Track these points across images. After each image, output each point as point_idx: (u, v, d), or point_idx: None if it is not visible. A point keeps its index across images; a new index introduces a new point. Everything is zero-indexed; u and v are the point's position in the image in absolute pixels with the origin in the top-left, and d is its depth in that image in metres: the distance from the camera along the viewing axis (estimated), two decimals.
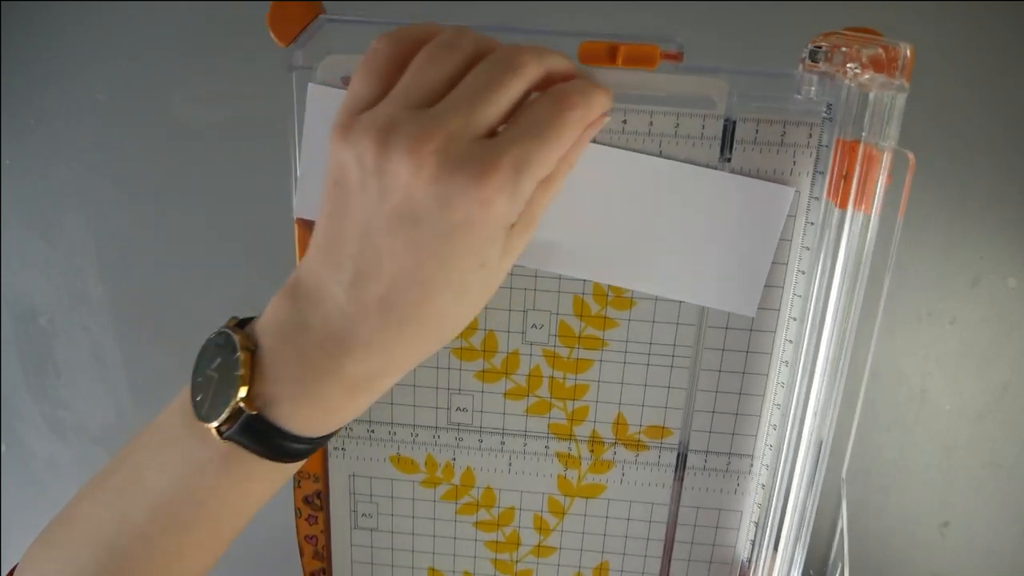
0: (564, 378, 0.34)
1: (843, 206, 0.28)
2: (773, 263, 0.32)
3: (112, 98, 0.49)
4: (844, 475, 0.31)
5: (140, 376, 0.54)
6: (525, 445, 0.36)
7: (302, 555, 0.38)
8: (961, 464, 0.55)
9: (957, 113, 0.49)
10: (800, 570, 0.32)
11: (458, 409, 0.35)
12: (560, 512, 0.37)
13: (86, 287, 0.53)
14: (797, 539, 0.32)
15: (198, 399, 0.27)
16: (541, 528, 0.37)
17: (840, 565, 0.32)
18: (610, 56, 0.28)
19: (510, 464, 0.36)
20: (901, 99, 0.26)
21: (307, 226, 0.32)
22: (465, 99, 0.24)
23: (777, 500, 0.33)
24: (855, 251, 0.28)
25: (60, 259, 0.52)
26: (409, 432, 0.36)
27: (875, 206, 0.27)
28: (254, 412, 0.26)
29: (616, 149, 0.30)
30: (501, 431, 0.36)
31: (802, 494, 0.31)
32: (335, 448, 0.36)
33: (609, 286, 0.32)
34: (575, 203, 0.30)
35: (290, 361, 0.26)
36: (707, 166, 0.30)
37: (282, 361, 0.26)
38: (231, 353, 0.26)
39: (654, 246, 0.31)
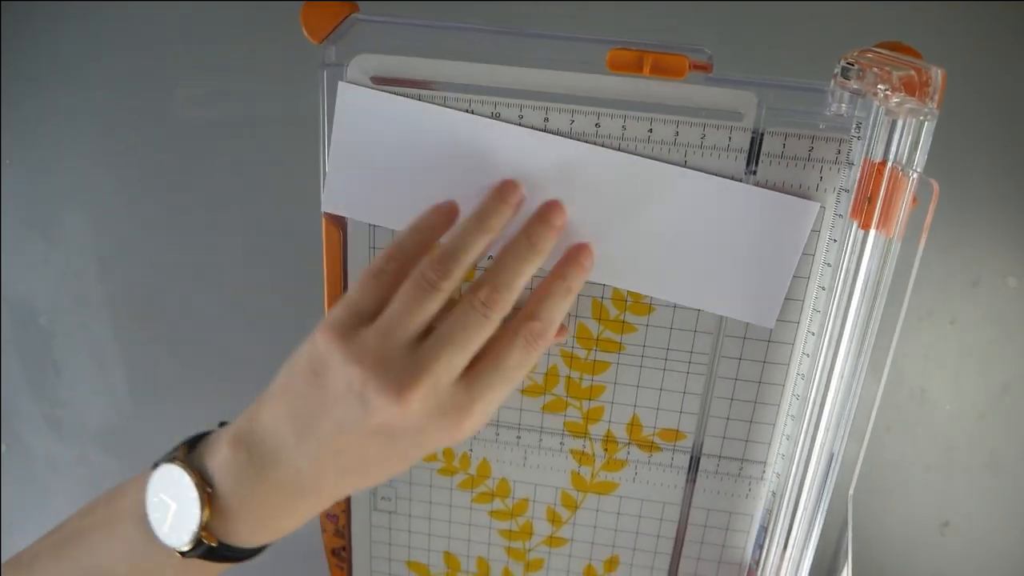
0: (581, 378, 0.35)
1: (866, 227, 0.28)
2: (795, 277, 0.32)
3: (112, 98, 0.50)
4: (851, 492, 0.31)
5: (140, 376, 0.54)
6: (540, 440, 0.37)
7: (324, 532, 0.40)
8: (961, 464, 0.55)
9: (957, 113, 0.49)
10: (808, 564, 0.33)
11: None
12: (573, 506, 0.38)
13: (86, 287, 0.53)
14: (804, 548, 0.33)
15: (155, 517, 0.30)
16: (554, 520, 0.38)
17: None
18: (638, 65, 0.28)
19: (525, 458, 0.37)
20: (930, 125, 0.25)
21: (336, 221, 0.33)
22: (445, 347, 0.28)
23: (787, 508, 0.33)
24: (875, 272, 0.28)
25: (60, 259, 0.52)
26: None
27: (897, 231, 0.27)
28: (214, 544, 0.29)
29: (642, 158, 0.30)
30: (517, 426, 0.37)
31: (810, 506, 0.32)
32: None
33: (628, 291, 0.33)
34: (600, 210, 0.31)
35: (246, 503, 0.29)
36: (732, 178, 0.30)
37: (238, 503, 0.29)
38: (187, 491, 0.29)
39: (677, 255, 0.31)
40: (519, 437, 0.37)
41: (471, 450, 0.37)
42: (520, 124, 0.30)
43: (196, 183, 0.50)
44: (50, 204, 0.51)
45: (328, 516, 0.39)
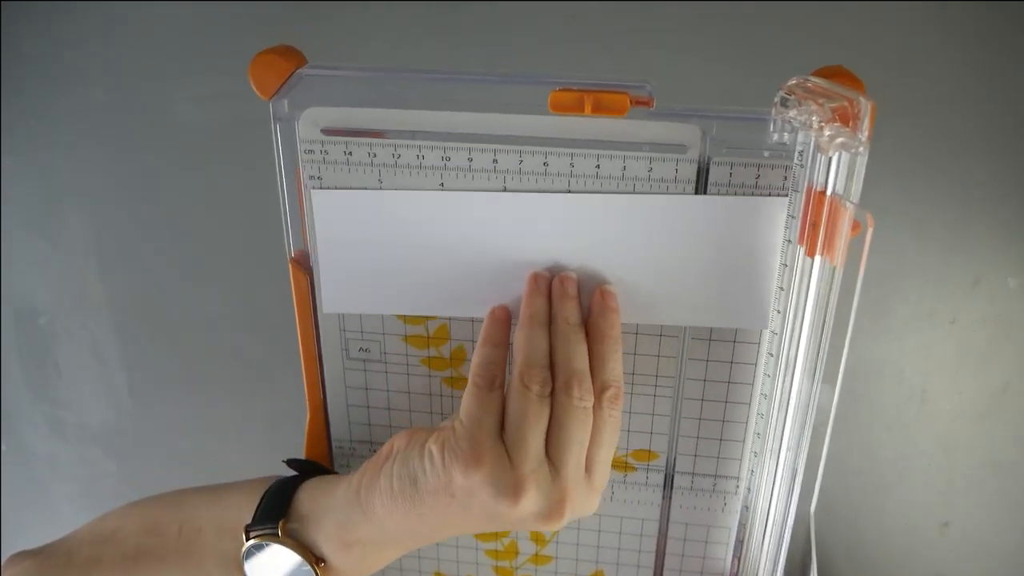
0: None
1: (811, 254, 0.28)
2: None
3: (112, 98, 0.50)
4: (813, 510, 0.31)
5: (140, 376, 0.54)
6: None
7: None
8: (961, 464, 0.55)
9: (957, 112, 0.49)
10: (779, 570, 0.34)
11: None
12: None
13: (86, 287, 0.53)
14: (775, 560, 0.34)
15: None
16: (537, 539, 0.39)
17: None
18: (579, 105, 0.28)
19: None
20: (862, 159, 0.25)
21: (303, 268, 0.34)
22: (571, 450, 0.30)
23: (759, 522, 0.35)
24: (823, 297, 0.28)
25: (60, 259, 0.52)
26: None
27: (839, 259, 0.27)
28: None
29: (610, 194, 0.31)
30: None
31: (779, 520, 0.33)
32: (341, 466, 0.39)
33: None
34: (578, 251, 0.32)
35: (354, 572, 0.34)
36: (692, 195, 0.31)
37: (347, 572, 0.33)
38: (300, 567, 0.33)
39: (661, 278, 0.32)
40: None
41: None
42: (488, 191, 0.31)
43: (196, 183, 0.50)
44: (50, 204, 0.51)
45: None
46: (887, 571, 0.57)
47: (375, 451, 0.34)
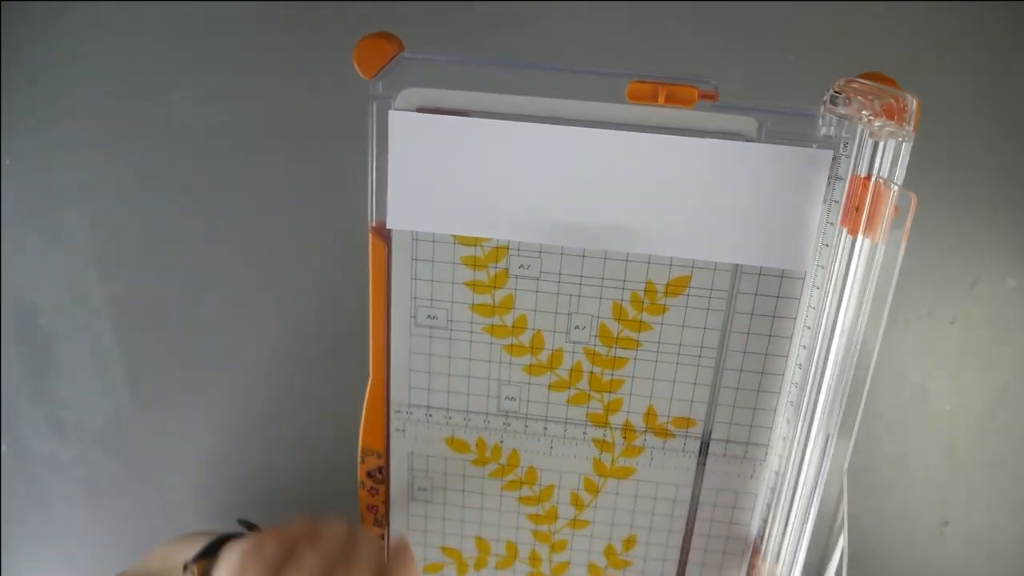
0: (602, 373, 0.39)
1: (854, 233, 0.32)
2: (791, 277, 0.35)
3: (112, 98, 0.50)
4: (847, 467, 0.34)
5: (140, 376, 0.54)
6: (565, 431, 0.40)
7: (363, 522, 0.43)
8: (961, 464, 0.55)
9: (957, 112, 0.49)
10: (805, 549, 0.36)
11: (507, 398, 0.40)
12: (595, 490, 0.41)
13: (86, 287, 0.53)
14: (804, 521, 0.36)
15: None
16: (577, 504, 0.41)
17: (841, 547, 0.35)
18: (653, 95, 0.32)
19: (551, 447, 0.40)
20: (907, 146, 0.29)
21: (381, 235, 0.37)
22: None
23: (788, 486, 0.37)
24: (862, 273, 0.31)
25: (60, 259, 0.52)
26: (463, 417, 0.40)
27: (881, 236, 0.30)
28: None
29: (671, 136, 0.34)
30: (544, 418, 0.40)
31: (809, 481, 0.35)
32: (396, 430, 0.40)
33: (647, 293, 0.36)
34: (640, 188, 0.34)
35: None
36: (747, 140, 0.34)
37: None
38: None
39: (713, 217, 0.35)
40: (546, 428, 0.40)
41: (502, 442, 0.40)
42: (550, 122, 0.34)
43: (196, 183, 0.51)
44: (50, 204, 0.51)
45: (368, 507, 0.42)
46: (887, 571, 0.57)
47: (430, 416, 0.39)
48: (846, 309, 0.32)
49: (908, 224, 0.29)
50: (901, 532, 0.56)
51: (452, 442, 0.41)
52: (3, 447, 0.57)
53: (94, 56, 0.49)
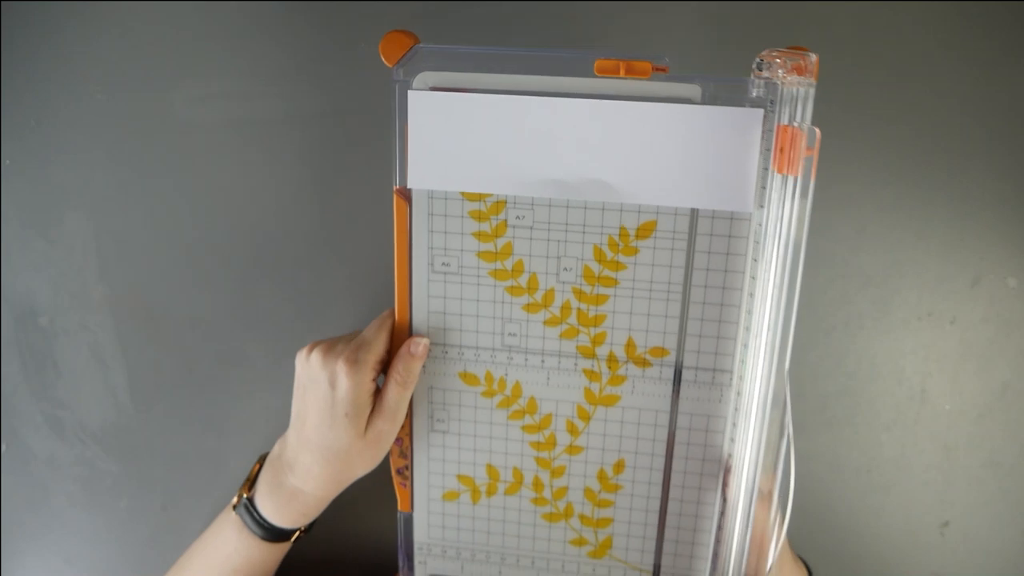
0: (588, 309, 0.44)
1: (781, 171, 0.38)
2: (738, 219, 0.42)
3: (112, 98, 0.50)
4: (787, 370, 0.39)
5: (140, 376, 0.54)
6: (559, 363, 0.45)
7: (391, 455, 0.48)
8: (961, 464, 0.55)
9: (957, 112, 0.50)
10: (762, 451, 0.41)
11: (509, 334, 0.45)
12: (587, 417, 0.46)
13: (86, 287, 0.53)
14: (760, 430, 0.41)
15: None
16: (571, 430, 0.46)
17: (787, 432, 0.40)
18: (616, 69, 0.40)
19: (548, 378, 0.45)
20: (812, 91, 0.37)
21: (404, 194, 0.43)
22: (349, 340, 0.44)
23: (745, 403, 0.42)
24: (787, 200, 0.38)
25: (60, 259, 0.52)
26: (473, 352, 0.46)
27: (800, 170, 0.37)
28: (248, 495, 0.46)
29: (637, 102, 0.41)
30: (542, 352, 0.45)
31: (760, 392, 0.40)
32: None
33: (621, 237, 0.43)
34: (605, 146, 0.41)
35: (267, 475, 0.46)
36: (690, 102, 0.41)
37: (265, 474, 0.46)
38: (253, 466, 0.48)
39: (662, 166, 0.41)
40: (543, 360, 0.45)
41: (507, 374, 0.46)
42: (539, 94, 0.41)
43: (196, 183, 0.51)
44: (50, 204, 0.52)
45: (395, 441, 0.47)
46: (887, 571, 0.57)
47: (446, 352, 0.45)
48: (778, 238, 0.38)
49: (815, 156, 0.36)
50: (901, 532, 0.56)
51: (464, 376, 0.46)
52: (3, 447, 0.57)
53: (94, 56, 0.49)
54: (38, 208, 0.52)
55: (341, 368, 0.41)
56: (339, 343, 0.43)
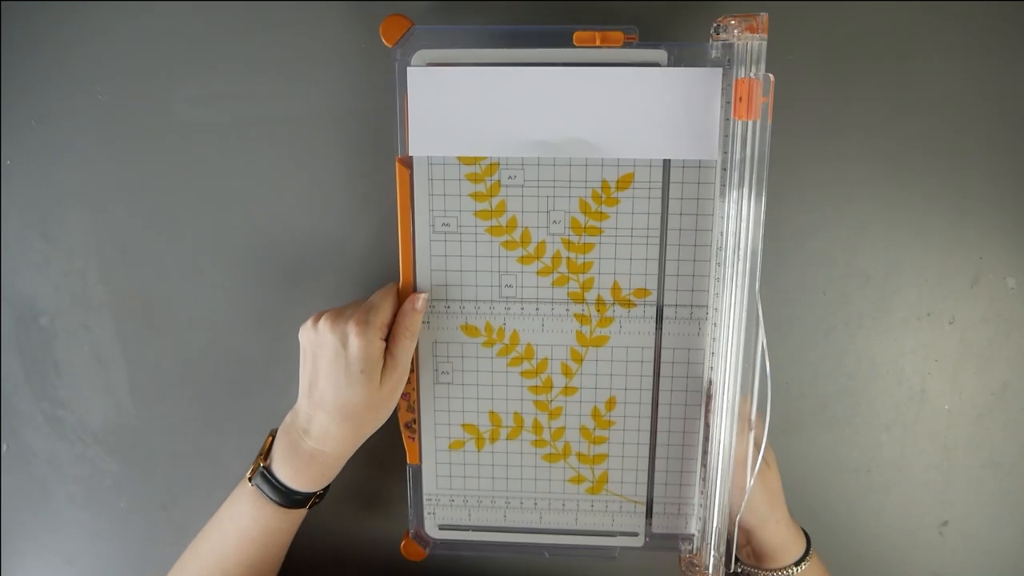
0: (576, 258, 0.49)
1: (740, 117, 0.44)
2: (705, 166, 0.47)
3: (112, 98, 0.50)
4: (758, 288, 0.43)
5: (140, 376, 0.54)
6: (552, 309, 0.50)
7: (399, 409, 0.51)
8: (961, 464, 0.55)
9: (956, 112, 0.50)
10: (739, 377, 0.45)
11: (506, 286, 0.49)
12: (579, 359, 0.50)
13: (86, 287, 0.53)
14: (738, 356, 0.45)
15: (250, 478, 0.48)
16: (566, 372, 0.51)
17: (761, 343, 0.44)
18: (592, 40, 0.45)
19: (543, 325, 0.50)
20: (763, 45, 0.42)
21: (405, 162, 0.47)
22: (354, 307, 0.47)
23: (722, 333, 0.47)
24: (750, 143, 0.43)
25: (60, 259, 0.52)
26: (473, 305, 0.50)
27: (757, 113, 0.42)
28: (264, 465, 0.47)
29: (612, 68, 0.46)
30: (536, 300, 0.49)
31: (735, 317, 0.45)
32: (424, 323, 0.50)
33: (603, 189, 0.48)
34: (585, 108, 0.46)
35: (282, 443, 0.47)
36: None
37: (280, 442, 0.47)
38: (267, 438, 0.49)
39: (636, 123, 0.46)
40: (538, 308, 0.50)
41: (504, 324, 0.50)
42: (525, 64, 0.46)
43: (196, 183, 0.51)
44: (50, 204, 0.52)
45: (402, 395, 0.50)
46: (886, 570, 0.57)
47: (448, 307, 0.49)
48: (741, 173, 0.43)
49: (770, 101, 0.42)
50: (901, 531, 0.56)
51: (466, 328, 0.50)
52: (3, 447, 0.57)
53: (94, 56, 0.49)
54: (38, 208, 0.52)
55: (352, 329, 0.44)
56: (346, 310, 0.46)
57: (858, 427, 0.54)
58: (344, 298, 0.52)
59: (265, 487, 0.46)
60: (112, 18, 0.49)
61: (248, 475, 0.47)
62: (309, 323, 0.46)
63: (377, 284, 0.52)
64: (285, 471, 0.46)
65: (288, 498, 0.46)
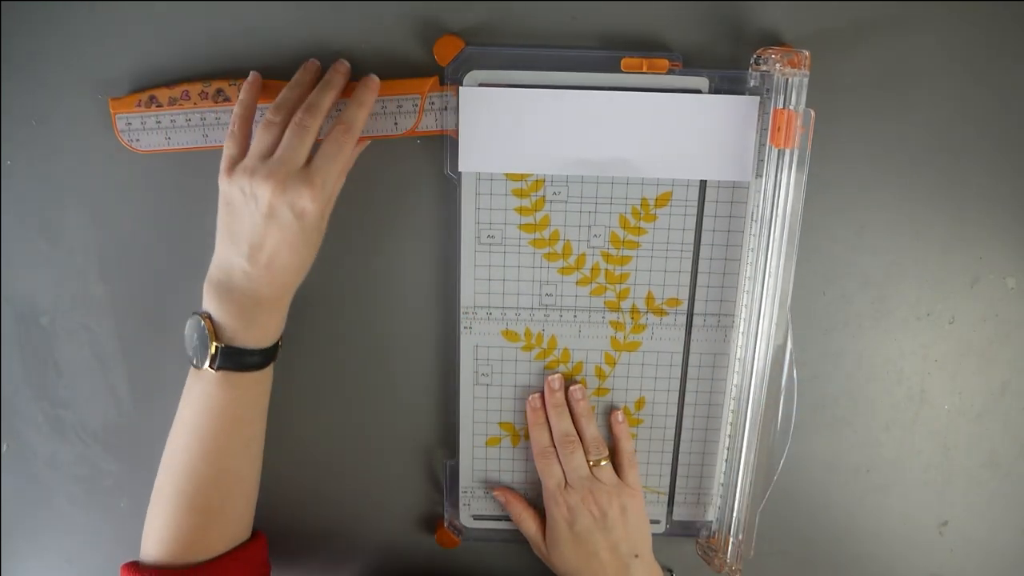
0: (614, 269, 0.53)
1: (778, 145, 0.48)
2: (740, 187, 0.50)
3: (112, 98, 0.49)
4: (789, 309, 0.48)
5: (140, 376, 0.55)
6: (590, 316, 0.54)
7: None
8: (960, 464, 0.55)
9: (957, 113, 0.49)
10: (767, 382, 0.50)
11: (546, 295, 0.53)
12: (613, 362, 0.55)
13: (86, 287, 0.53)
14: (765, 360, 0.50)
15: (194, 362, 0.48)
16: (600, 375, 0.55)
17: (789, 350, 0.49)
18: (639, 66, 0.48)
19: (580, 331, 0.54)
20: (805, 81, 0.46)
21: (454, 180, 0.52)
22: (287, 152, 0.44)
23: (749, 339, 0.51)
24: (787, 171, 0.47)
25: (60, 259, 0.53)
26: (514, 312, 0.53)
27: (795, 142, 0.46)
28: (223, 345, 0.47)
29: (656, 93, 0.49)
30: (574, 308, 0.53)
31: (765, 328, 0.50)
32: (465, 328, 0.54)
33: (642, 206, 0.51)
34: (629, 130, 0.49)
35: (230, 310, 0.46)
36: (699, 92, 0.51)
37: (226, 313, 0.47)
38: (199, 324, 0.47)
39: (676, 146, 0.49)
40: (575, 316, 0.54)
41: (543, 330, 0.54)
42: (572, 88, 0.49)
43: (196, 183, 0.50)
44: (50, 204, 0.52)
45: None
46: (886, 570, 0.57)
47: (490, 314, 0.53)
48: (783, 198, 0.47)
49: (810, 134, 0.46)
50: (901, 532, 0.56)
51: (506, 333, 0.54)
52: (3, 447, 0.57)
53: (94, 56, 0.49)
54: (38, 208, 0.52)
55: (306, 194, 0.44)
56: (281, 158, 0.44)
57: (857, 427, 0.54)
58: (344, 299, 0.52)
59: (232, 361, 0.46)
60: (112, 18, 0.49)
61: (207, 364, 0.46)
62: (243, 176, 0.44)
63: (378, 284, 0.52)
64: (248, 339, 0.46)
65: (257, 356, 0.47)
